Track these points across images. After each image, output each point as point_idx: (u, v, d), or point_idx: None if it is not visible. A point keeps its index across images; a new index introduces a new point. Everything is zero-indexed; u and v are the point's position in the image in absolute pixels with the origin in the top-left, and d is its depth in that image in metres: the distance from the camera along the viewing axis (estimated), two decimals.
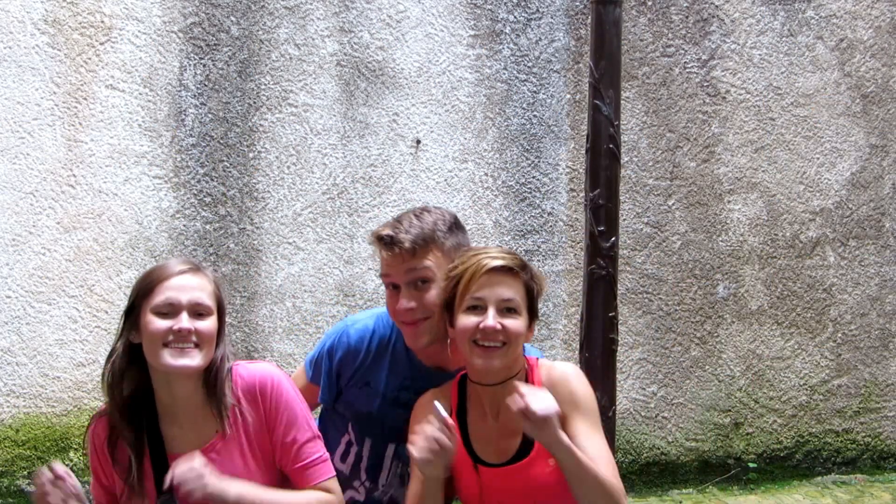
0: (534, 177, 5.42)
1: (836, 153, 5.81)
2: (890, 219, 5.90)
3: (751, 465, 5.64)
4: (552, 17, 5.45)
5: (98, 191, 4.96)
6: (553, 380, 2.79)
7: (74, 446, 4.90)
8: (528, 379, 2.82)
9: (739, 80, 5.67)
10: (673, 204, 5.59)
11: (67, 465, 4.86)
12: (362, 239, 5.20)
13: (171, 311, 2.69)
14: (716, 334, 5.63)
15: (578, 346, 3.69)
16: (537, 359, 2.90)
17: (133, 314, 2.74)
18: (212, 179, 5.08)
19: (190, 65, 5.06)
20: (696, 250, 5.61)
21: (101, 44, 4.97)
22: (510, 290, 2.75)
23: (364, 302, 5.17)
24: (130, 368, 2.75)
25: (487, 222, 5.36)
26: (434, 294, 2.89)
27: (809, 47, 5.78)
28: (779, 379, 5.72)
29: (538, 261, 5.40)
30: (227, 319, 2.86)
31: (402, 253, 2.87)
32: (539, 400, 2.57)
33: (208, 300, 2.74)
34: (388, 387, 3.05)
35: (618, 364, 3.68)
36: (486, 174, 5.37)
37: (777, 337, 5.72)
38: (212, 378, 2.74)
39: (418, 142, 5.29)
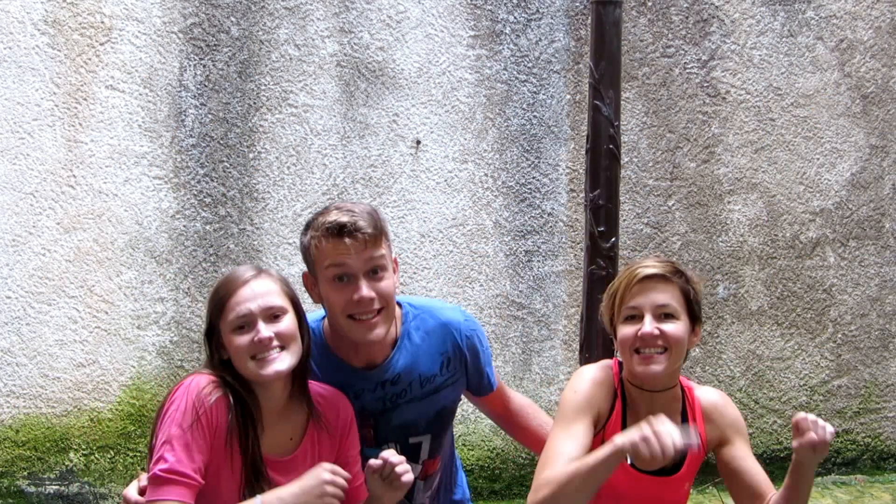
0: (534, 177, 5.42)
1: (836, 154, 5.81)
2: (890, 219, 5.90)
3: None
4: (552, 18, 5.45)
5: (98, 191, 4.96)
6: (714, 403, 2.86)
7: (74, 447, 4.90)
8: (685, 397, 2.85)
9: (739, 81, 5.68)
10: (673, 204, 5.59)
11: (67, 466, 4.88)
12: None
13: (246, 323, 2.69)
14: (716, 335, 5.63)
15: (578, 347, 3.70)
16: (689, 379, 2.95)
17: (214, 336, 2.75)
18: (212, 180, 5.08)
19: (190, 65, 5.06)
20: (696, 251, 5.61)
21: (101, 44, 4.97)
22: (665, 296, 2.77)
23: None
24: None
25: (487, 223, 5.36)
26: (388, 283, 2.85)
27: (809, 48, 5.78)
28: (779, 379, 5.72)
29: (538, 261, 5.40)
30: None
31: (366, 239, 2.80)
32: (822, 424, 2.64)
33: (279, 300, 2.73)
34: None
35: None
36: (486, 174, 5.37)
37: (777, 337, 5.72)
38: (301, 373, 2.77)
39: (418, 142, 5.29)
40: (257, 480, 2.68)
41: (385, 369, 2.95)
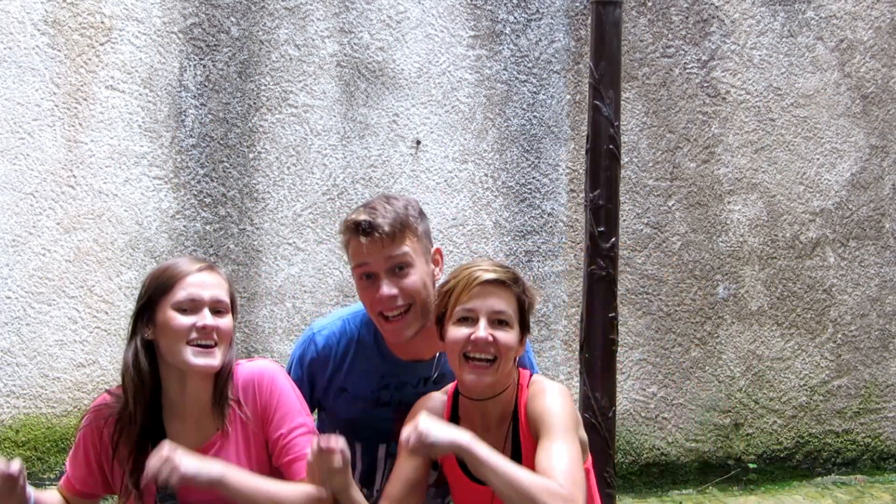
0: (534, 177, 5.42)
1: (836, 154, 5.81)
2: (890, 219, 5.90)
3: (751, 465, 5.64)
4: (552, 18, 5.45)
5: (98, 191, 4.96)
6: (531, 395, 2.77)
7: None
8: (517, 396, 2.80)
9: (739, 81, 5.67)
10: (673, 205, 5.59)
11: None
12: None
13: (192, 307, 2.69)
14: (716, 335, 5.63)
15: (578, 347, 3.70)
16: (531, 374, 2.87)
17: (148, 311, 2.73)
18: (212, 180, 5.08)
19: (190, 65, 5.06)
20: (696, 251, 5.61)
21: (101, 44, 4.97)
22: (502, 303, 2.72)
23: None
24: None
25: (487, 223, 5.36)
26: (414, 279, 2.84)
27: (809, 48, 5.78)
28: (779, 380, 5.72)
29: (538, 261, 5.40)
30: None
31: (382, 238, 2.80)
32: (425, 424, 2.55)
33: (226, 298, 2.75)
34: (366, 389, 2.99)
35: (618, 364, 3.68)
36: (486, 175, 5.37)
37: (777, 338, 5.72)
38: (223, 377, 2.74)
39: (418, 142, 5.29)
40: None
41: (431, 366, 2.94)
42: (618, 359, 3.66)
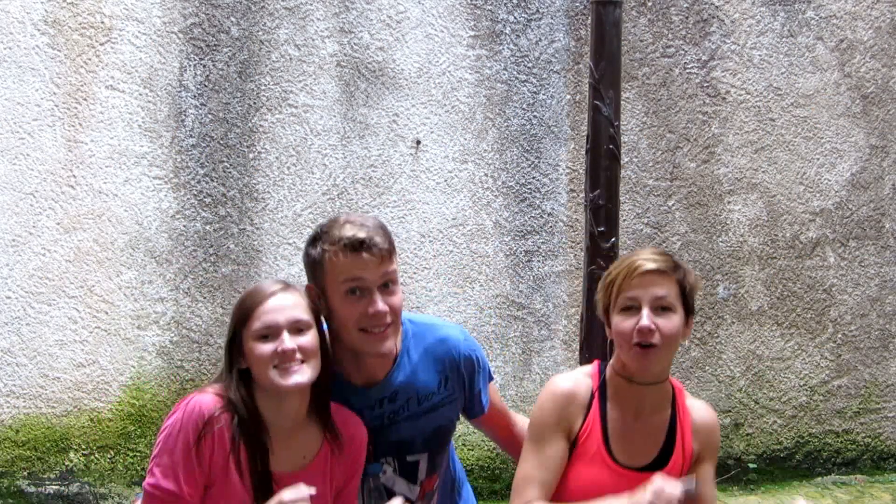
0: (534, 177, 5.42)
1: (836, 154, 5.81)
2: (890, 219, 5.90)
3: (751, 465, 5.64)
4: (552, 18, 5.45)
5: (98, 191, 4.96)
6: (706, 423, 2.88)
7: (74, 447, 4.90)
8: (675, 396, 2.87)
9: (739, 81, 5.67)
10: (673, 204, 5.59)
11: (67, 466, 4.88)
12: None
13: (271, 333, 2.72)
14: (716, 335, 5.63)
15: (578, 347, 3.70)
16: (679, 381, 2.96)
17: (235, 343, 2.77)
18: (212, 180, 5.08)
19: (190, 65, 5.06)
20: (696, 251, 5.61)
21: (101, 44, 4.97)
22: (663, 289, 2.78)
23: None
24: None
25: (487, 223, 5.36)
26: (400, 297, 2.88)
27: (809, 48, 5.78)
28: (779, 380, 5.72)
29: (538, 261, 5.40)
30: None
31: (382, 254, 2.83)
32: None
33: (305, 315, 2.77)
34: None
35: None
36: (486, 175, 5.37)
37: (777, 337, 5.72)
38: (321, 392, 2.80)
39: (418, 142, 5.29)
40: (265, 497, 2.70)
41: (384, 386, 2.95)
42: None
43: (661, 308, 2.77)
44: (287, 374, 2.71)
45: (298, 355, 2.72)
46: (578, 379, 2.86)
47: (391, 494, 2.95)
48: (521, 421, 3.26)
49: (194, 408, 2.70)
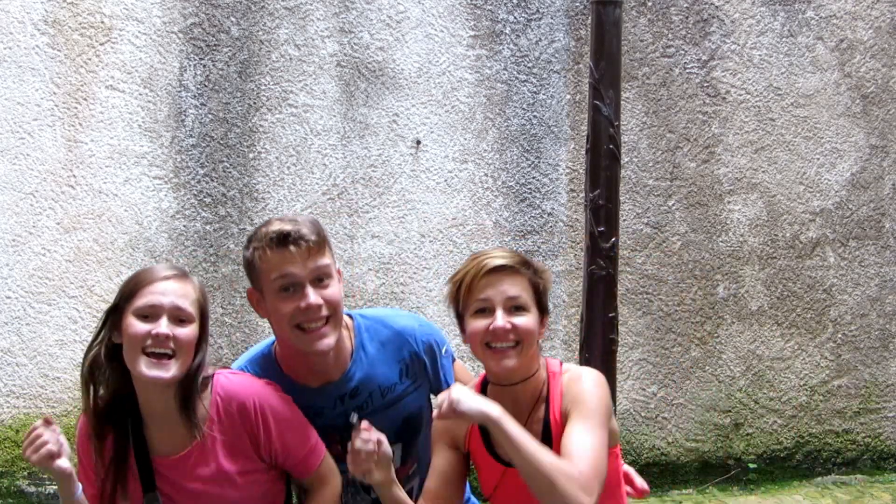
0: (534, 177, 5.42)
1: (836, 154, 5.81)
2: (890, 219, 5.90)
3: (751, 465, 5.64)
4: (552, 18, 5.45)
5: (98, 191, 4.96)
6: (569, 382, 2.77)
7: (74, 447, 4.90)
8: (548, 382, 2.80)
9: (739, 81, 5.67)
10: (673, 204, 5.59)
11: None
12: (362, 239, 5.20)
13: (151, 314, 2.68)
14: (716, 335, 5.63)
15: (578, 347, 3.70)
16: (560, 363, 2.87)
17: (116, 315, 2.74)
18: (212, 180, 5.08)
19: (190, 65, 5.06)
20: (696, 251, 5.61)
21: (101, 44, 4.98)
22: (515, 288, 2.72)
23: (364, 302, 5.17)
24: (113, 367, 2.74)
25: (487, 223, 5.36)
26: (335, 290, 2.84)
27: (809, 48, 5.78)
28: (779, 379, 5.72)
29: (538, 261, 5.40)
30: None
31: (310, 247, 2.79)
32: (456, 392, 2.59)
33: (190, 307, 2.72)
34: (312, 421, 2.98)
35: (618, 364, 3.68)
36: (486, 175, 5.37)
37: (777, 337, 5.72)
38: (185, 389, 2.72)
39: (418, 142, 5.29)
40: (148, 481, 2.72)
41: (341, 383, 2.93)
42: (618, 359, 3.66)
43: (514, 308, 2.71)
44: (152, 365, 2.65)
45: (171, 344, 2.66)
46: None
47: (365, 487, 2.94)
48: None
49: (79, 430, 2.82)
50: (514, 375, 2.74)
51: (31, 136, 4.91)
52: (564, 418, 2.71)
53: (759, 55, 5.71)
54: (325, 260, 2.84)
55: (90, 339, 2.84)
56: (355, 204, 5.21)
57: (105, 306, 5.01)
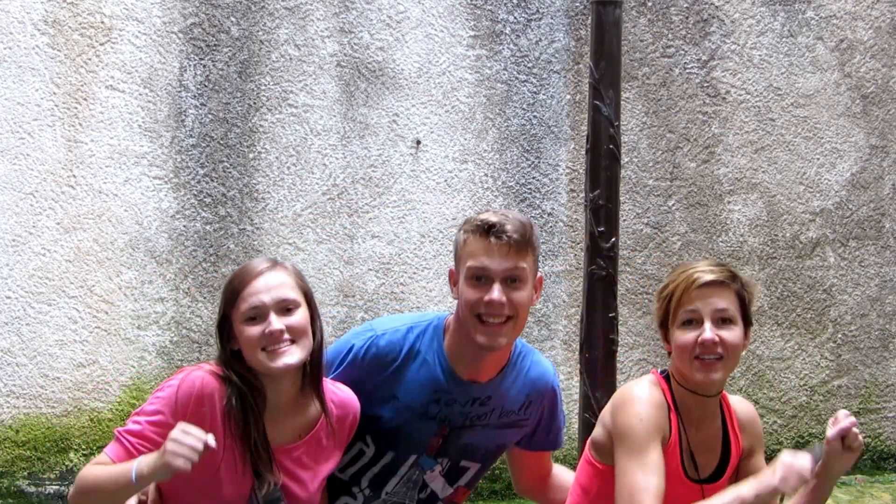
0: (534, 177, 5.42)
1: (836, 154, 5.81)
2: (890, 219, 5.91)
3: None
4: (552, 18, 5.45)
5: (98, 191, 4.96)
6: (749, 416, 2.90)
7: (74, 447, 4.90)
8: (721, 402, 2.86)
9: (739, 81, 5.68)
10: (673, 204, 5.59)
11: (67, 466, 4.87)
12: (362, 239, 5.20)
13: (258, 314, 2.68)
14: None
15: (578, 347, 3.70)
16: None
17: (225, 326, 2.74)
18: (212, 180, 5.08)
19: (190, 65, 5.06)
20: (696, 251, 5.61)
21: (101, 44, 4.97)
22: (724, 301, 2.76)
23: (364, 302, 5.17)
24: (238, 372, 2.73)
25: None
26: (524, 295, 2.85)
27: (809, 48, 5.78)
28: (779, 379, 5.72)
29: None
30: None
31: (510, 244, 2.80)
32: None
33: (292, 293, 2.72)
34: (417, 400, 2.95)
35: (618, 364, 3.68)
36: (486, 175, 5.37)
37: (777, 337, 5.72)
38: (314, 368, 2.75)
39: (418, 142, 5.29)
40: (263, 467, 2.68)
41: (484, 387, 2.94)
42: (618, 359, 3.66)
43: (721, 320, 2.75)
44: (275, 355, 2.67)
45: (287, 335, 2.67)
46: (657, 388, 2.82)
47: (422, 489, 2.97)
48: (558, 472, 3.23)
49: (193, 382, 2.66)
50: (716, 388, 2.80)
51: (31, 136, 4.91)
52: (744, 451, 2.85)
53: (759, 55, 5.71)
54: (524, 263, 2.84)
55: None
56: (355, 204, 5.21)
57: (105, 306, 5.03)
